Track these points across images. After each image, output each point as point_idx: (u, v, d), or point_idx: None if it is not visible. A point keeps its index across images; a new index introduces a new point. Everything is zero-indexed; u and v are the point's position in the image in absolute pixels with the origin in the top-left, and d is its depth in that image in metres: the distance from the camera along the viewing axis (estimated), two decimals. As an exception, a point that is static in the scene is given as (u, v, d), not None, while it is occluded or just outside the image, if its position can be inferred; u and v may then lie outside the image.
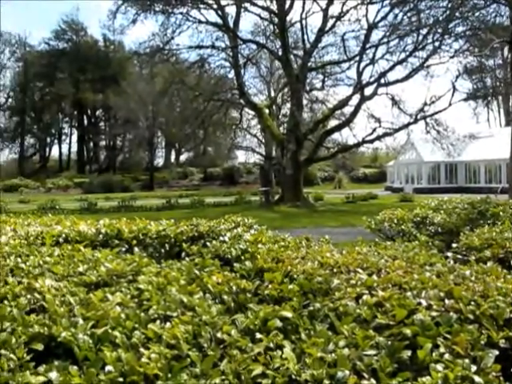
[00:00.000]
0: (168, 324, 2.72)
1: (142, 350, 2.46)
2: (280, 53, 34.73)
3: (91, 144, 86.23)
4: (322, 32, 33.43)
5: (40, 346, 2.58)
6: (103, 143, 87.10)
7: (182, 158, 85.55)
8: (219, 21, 33.70)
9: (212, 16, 51.81)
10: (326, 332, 2.64)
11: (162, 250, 5.06)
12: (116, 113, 76.29)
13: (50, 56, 79.71)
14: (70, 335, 2.57)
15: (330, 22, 33.57)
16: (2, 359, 2.40)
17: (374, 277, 3.52)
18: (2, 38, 78.69)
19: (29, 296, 3.27)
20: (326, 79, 38.16)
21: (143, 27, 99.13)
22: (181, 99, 40.61)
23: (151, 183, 67.20)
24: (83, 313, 2.89)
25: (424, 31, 31.41)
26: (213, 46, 34.83)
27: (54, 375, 2.31)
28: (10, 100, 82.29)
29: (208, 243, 4.93)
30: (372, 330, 2.68)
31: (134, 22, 32.93)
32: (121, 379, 2.26)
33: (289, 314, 2.84)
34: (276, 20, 33.79)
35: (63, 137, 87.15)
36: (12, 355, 2.44)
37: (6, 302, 3.22)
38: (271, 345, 2.52)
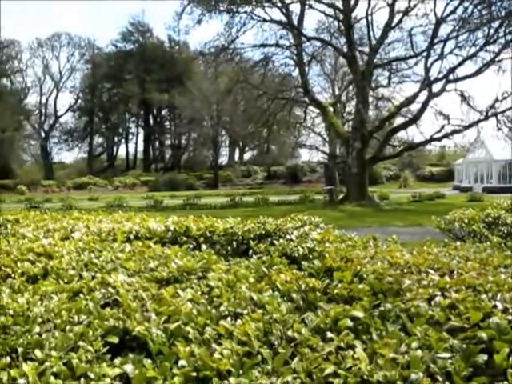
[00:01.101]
0: (238, 321, 2.74)
1: (214, 345, 2.49)
2: (345, 50, 34.39)
3: (157, 143, 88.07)
4: (388, 28, 32.90)
5: (115, 339, 2.64)
6: (168, 142, 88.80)
7: (246, 156, 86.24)
8: (283, 19, 33.74)
9: (276, 14, 51.79)
10: (398, 333, 2.60)
11: (229, 248, 5.07)
12: (181, 112, 77.68)
13: (117, 57, 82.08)
14: (144, 329, 2.62)
15: (397, 18, 33.09)
16: (80, 351, 2.48)
17: (447, 278, 3.43)
18: (72, 41, 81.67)
19: (103, 290, 3.35)
20: (392, 76, 37.45)
21: (207, 28, 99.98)
22: (245, 98, 40.87)
23: (215, 181, 67.96)
24: (156, 308, 2.94)
25: (496, 24, 30.42)
26: (277, 45, 34.88)
27: (129, 368, 2.36)
28: (79, 101, 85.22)
29: (275, 241, 4.93)
30: (445, 332, 2.61)
31: (199, 22, 33.47)
32: (194, 374, 2.29)
33: (360, 314, 2.80)
34: (341, 17, 33.49)
35: (130, 136, 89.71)
36: (89, 347, 2.51)
37: (81, 295, 3.33)
38: (342, 344, 2.50)
